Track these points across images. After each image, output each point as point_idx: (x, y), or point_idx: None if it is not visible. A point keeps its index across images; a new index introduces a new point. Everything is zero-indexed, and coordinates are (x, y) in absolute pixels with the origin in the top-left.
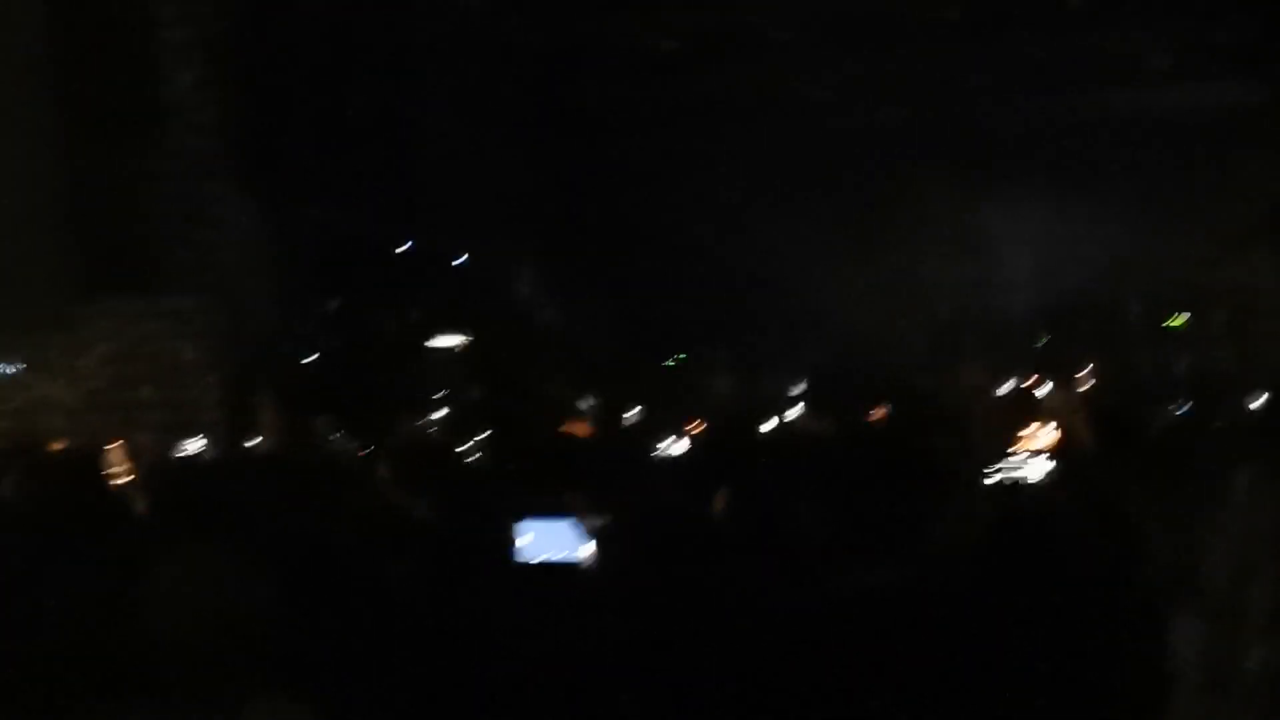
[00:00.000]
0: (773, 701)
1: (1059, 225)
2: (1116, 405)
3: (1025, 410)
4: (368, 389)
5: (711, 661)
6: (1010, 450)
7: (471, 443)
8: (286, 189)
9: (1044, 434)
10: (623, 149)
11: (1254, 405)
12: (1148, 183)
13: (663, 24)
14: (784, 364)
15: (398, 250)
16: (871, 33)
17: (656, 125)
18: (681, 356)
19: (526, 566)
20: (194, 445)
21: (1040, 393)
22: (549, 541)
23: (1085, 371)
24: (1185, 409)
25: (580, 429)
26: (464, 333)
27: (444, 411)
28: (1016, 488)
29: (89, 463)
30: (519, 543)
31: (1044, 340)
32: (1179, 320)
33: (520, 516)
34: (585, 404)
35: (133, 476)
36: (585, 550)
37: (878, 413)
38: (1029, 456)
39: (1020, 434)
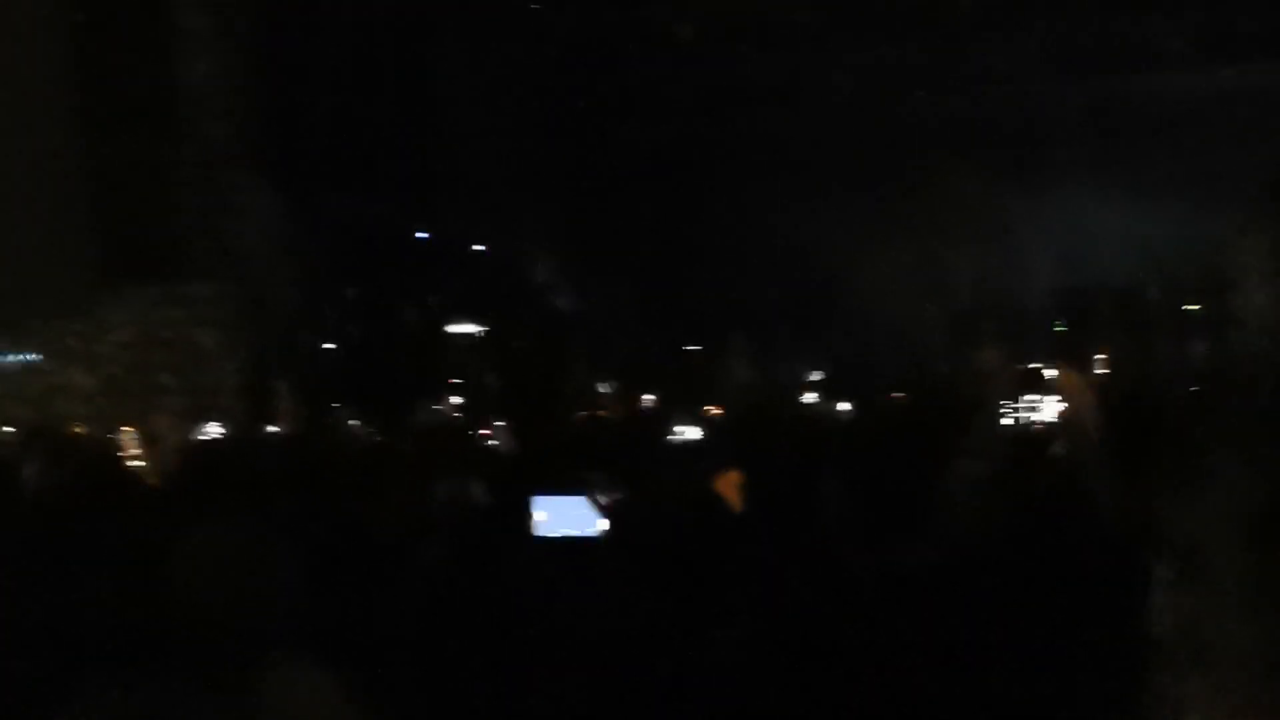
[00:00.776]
0: (786, 676)
1: (1079, 212)
2: (1127, 387)
3: (1034, 386)
4: (387, 376)
5: (725, 638)
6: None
7: (490, 428)
8: (306, 178)
9: (1051, 408)
10: (644, 137)
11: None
12: (1168, 168)
13: (685, 12)
14: (803, 352)
15: (417, 238)
16: (893, 19)
17: (678, 114)
18: (697, 345)
19: (543, 542)
20: (213, 430)
21: (1050, 373)
22: (564, 518)
23: (1101, 357)
24: (1199, 392)
25: (599, 414)
26: (483, 321)
27: (462, 398)
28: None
29: (107, 447)
30: (535, 519)
31: (1062, 327)
32: (1198, 306)
33: (535, 494)
34: (604, 389)
35: (151, 460)
36: (599, 527)
37: (896, 399)
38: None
39: (1029, 403)
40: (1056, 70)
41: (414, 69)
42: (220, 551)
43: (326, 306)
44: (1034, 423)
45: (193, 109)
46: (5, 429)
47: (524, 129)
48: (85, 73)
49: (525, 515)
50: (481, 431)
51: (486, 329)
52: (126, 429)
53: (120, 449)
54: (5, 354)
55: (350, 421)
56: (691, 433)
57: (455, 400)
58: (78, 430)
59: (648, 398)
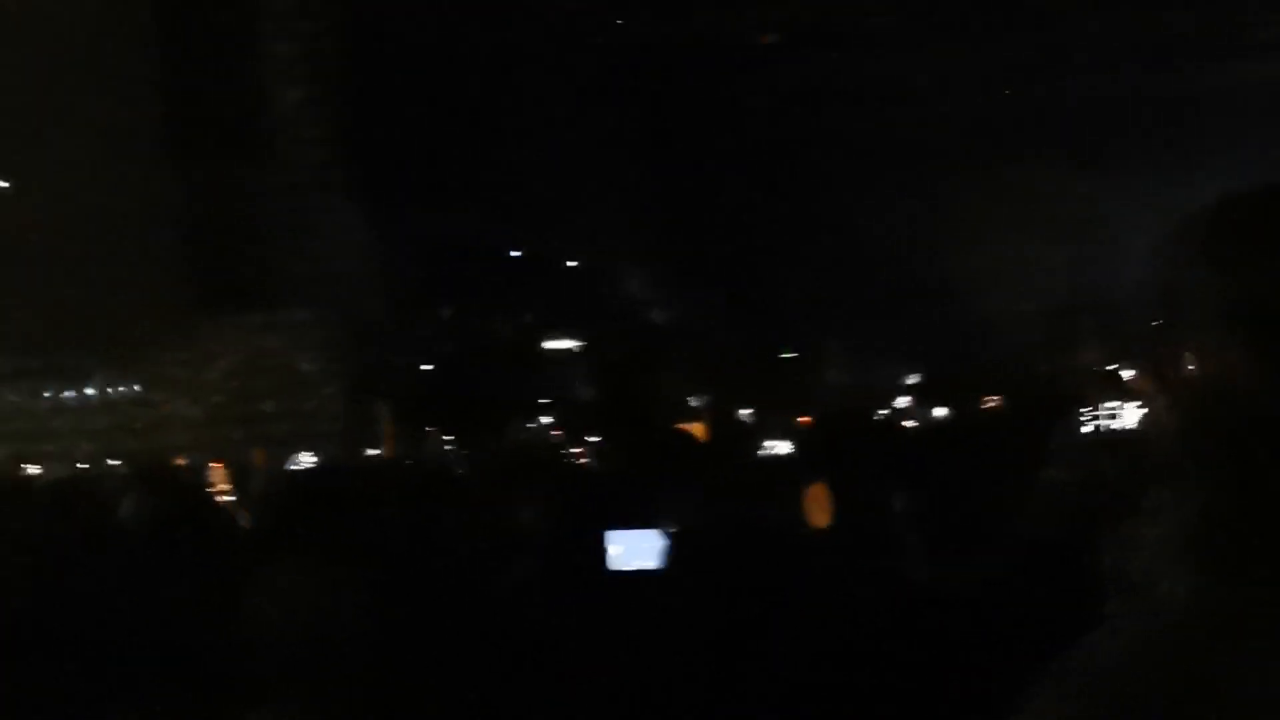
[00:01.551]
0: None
1: (1170, 202)
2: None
3: (1114, 390)
4: (483, 394)
5: (804, 670)
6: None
7: (584, 445)
8: (397, 198)
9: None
10: (730, 144)
11: None
12: (1259, 155)
13: (763, 17)
14: (899, 354)
15: (509, 255)
16: (970, 16)
17: (764, 118)
18: (791, 353)
19: (619, 576)
20: (311, 457)
21: (1129, 374)
22: (636, 551)
23: (1191, 356)
24: None
25: (693, 428)
26: (577, 335)
27: (557, 415)
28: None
29: (196, 481)
30: (610, 553)
31: (1157, 324)
32: None
33: (618, 525)
34: (697, 403)
35: (243, 491)
36: (670, 559)
37: (990, 401)
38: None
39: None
40: (1142, 58)
41: (500, 87)
42: (293, 590)
43: (422, 327)
44: (1114, 430)
45: (283, 136)
46: (112, 462)
47: (611, 140)
48: (178, 105)
49: (600, 547)
50: (574, 449)
51: (581, 343)
52: (216, 464)
53: (210, 483)
54: (113, 386)
55: (445, 440)
56: (782, 446)
57: (550, 418)
58: (180, 462)
59: (741, 410)
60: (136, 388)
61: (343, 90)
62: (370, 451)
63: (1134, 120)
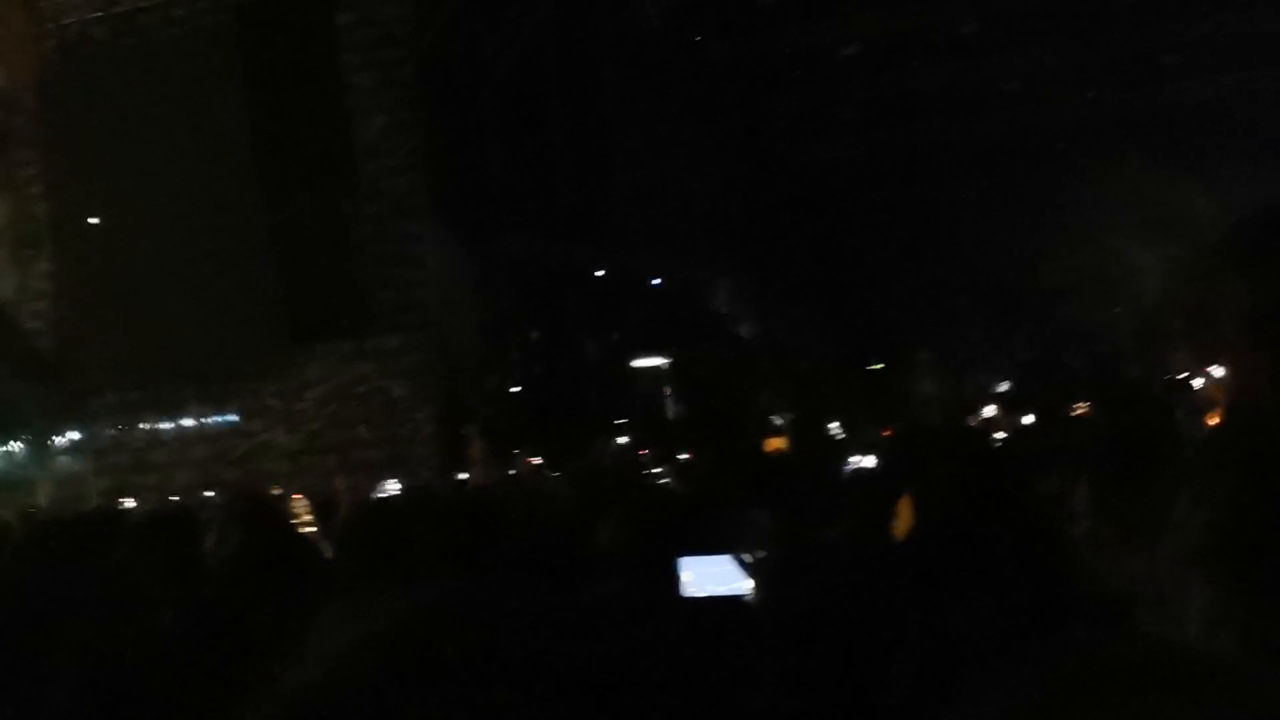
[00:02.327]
0: None
1: (1264, 200)
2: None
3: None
4: (573, 415)
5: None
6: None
7: (671, 464)
8: (482, 222)
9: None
10: (813, 156)
11: None
12: None
13: (848, 27)
14: (988, 362)
15: (596, 274)
16: (1058, 19)
17: (848, 130)
18: (879, 365)
19: (693, 602)
20: (397, 484)
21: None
22: (711, 577)
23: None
24: None
25: (779, 444)
26: (665, 353)
27: (644, 433)
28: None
29: (279, 512)
30: (683, 580)
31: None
32: None
33: (696, 550)
34: (784, 420)
35: (322, 524)
36: (748, 586)
37: (1081, 409)
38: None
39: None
40: (1231, 57)
41: (583, 108)
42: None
43: (512, 349)
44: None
45: (369, 163)
46: (207, 493)
47: (695, 156)
48: (268, 138)
49: (675, 574)
50: (658, 469)
51: (669, 361)
52: (298, 496)
53: (294, 515)
54: (210, 417)
55: (536, 464)
56: (868, 461)
57: (637, 437)
58: (275, 491)
59: (830, 424)
60: (233, 418)
61: (428, 117)
62: (460, 476)
63: (1230, 122)
